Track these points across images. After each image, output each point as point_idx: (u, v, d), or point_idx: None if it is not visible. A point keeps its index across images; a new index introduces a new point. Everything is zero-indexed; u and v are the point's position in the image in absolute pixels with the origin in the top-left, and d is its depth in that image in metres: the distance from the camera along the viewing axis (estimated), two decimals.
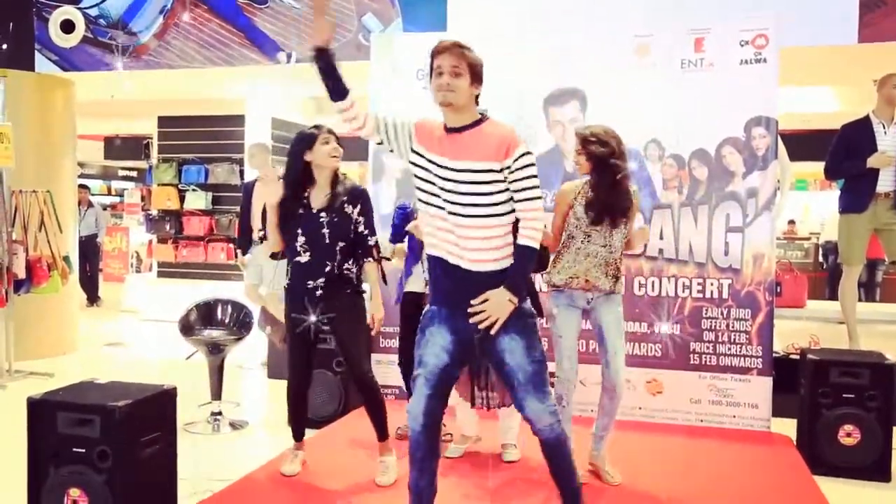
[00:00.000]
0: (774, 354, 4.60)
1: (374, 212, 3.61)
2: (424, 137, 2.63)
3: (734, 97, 4.45)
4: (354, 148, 6.00)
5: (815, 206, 15.11)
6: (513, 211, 2.58)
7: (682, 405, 4.57)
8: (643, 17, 5.12)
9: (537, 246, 2.58)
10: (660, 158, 4.60)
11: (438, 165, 2.57)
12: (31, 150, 6.43)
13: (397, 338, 4.43)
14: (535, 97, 4.76)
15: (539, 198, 2.58)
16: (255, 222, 6.21)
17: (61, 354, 6.74)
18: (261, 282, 6.26)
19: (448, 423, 4.18)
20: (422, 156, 2.62)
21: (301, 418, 3.73)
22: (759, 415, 4.46)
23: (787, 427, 4.31)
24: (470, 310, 2.53)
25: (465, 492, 3.47)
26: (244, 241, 6.31)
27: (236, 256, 6.57)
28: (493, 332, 2.53)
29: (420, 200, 2.66)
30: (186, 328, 4.62)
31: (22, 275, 5.92)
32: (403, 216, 4.07)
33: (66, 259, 6.32)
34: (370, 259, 3.53)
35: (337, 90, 2.60)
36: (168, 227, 9.46)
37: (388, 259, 3.60)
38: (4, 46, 6.98)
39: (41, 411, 2.87)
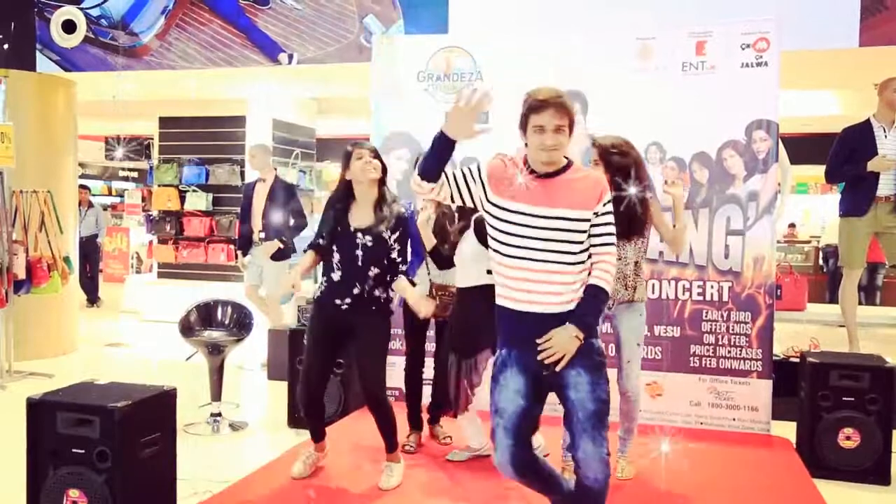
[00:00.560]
0: (774, 357, 4.61)
1: (411, 238, 3.55)
2: (502, 187, 2.55)
3: (735, 100, 4.46)
4: None
5: (815, 210, 15.10)
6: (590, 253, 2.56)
7: (682, 408, 4.57)
8: (645, 20, 5.11)
9: (610, 290, 2.57)
10: (661, 161, 4.60)
11: (531, 215, 2.50)
12: (32, 150, 6.44)
13: (398, 339, 4.43)
14: None
15: (614, 243, 2.59)
16: (256, 223, 6.22)
17: (61, 355, 6.74)
18: (261, 283, 6.27)
19: (447, 425, 4.19)
20: (505, 209, 2.53)
21: (317, 419, 3.66)
22: (759, 418, 4.46)
23: (787, 430, 4.31)
24: (539, 349, 2.50)
25: (465, 495, 3.47)
26: (244, 243, 6.32)
27: (236, 257, 6.56)
28: (558, 368, 2.50)
29: (497, 252, 2.57)
30: (186, 329, 4.62)
31: (22, 275, 5.91)
32: None
33: (66, 259, 6.31)
34: (398, 276, 3.48)
35: (437, 174, 2.53)
36: (168, 227, 9.46)
37: (414, 284, 3.57)
38: (6, 46, 6.97)
39: (41, 412, 2.88)
